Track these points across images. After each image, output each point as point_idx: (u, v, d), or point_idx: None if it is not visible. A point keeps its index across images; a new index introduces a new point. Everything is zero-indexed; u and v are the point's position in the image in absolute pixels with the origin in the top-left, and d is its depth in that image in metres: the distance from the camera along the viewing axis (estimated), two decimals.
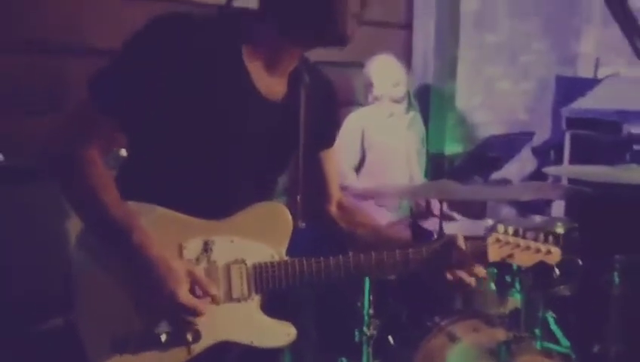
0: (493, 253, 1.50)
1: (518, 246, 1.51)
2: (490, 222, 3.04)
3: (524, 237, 1.52)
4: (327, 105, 1.60)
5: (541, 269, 2.22)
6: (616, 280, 2.48)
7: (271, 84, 1.42)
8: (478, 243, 1.50)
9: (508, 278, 2.34)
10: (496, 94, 4.32)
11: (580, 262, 2.31)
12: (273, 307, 1.46)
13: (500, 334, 2.28)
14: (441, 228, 2.52)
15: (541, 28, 4.45)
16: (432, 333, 2.35)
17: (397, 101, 3.25)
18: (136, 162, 1.46)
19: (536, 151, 4.44)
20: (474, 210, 3.73)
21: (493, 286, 2.43)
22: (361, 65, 3.32)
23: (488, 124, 4.32)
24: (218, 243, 1.39)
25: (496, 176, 3.99)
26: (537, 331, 2.37)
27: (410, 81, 3.42)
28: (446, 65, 3.95)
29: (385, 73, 3.22)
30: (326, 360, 2.48)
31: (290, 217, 1.45)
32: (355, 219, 1.67)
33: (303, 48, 1.43)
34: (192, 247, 1.37)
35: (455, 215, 3.09)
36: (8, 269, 1.95)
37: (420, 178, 3.36)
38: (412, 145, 3.33)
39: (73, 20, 2.58)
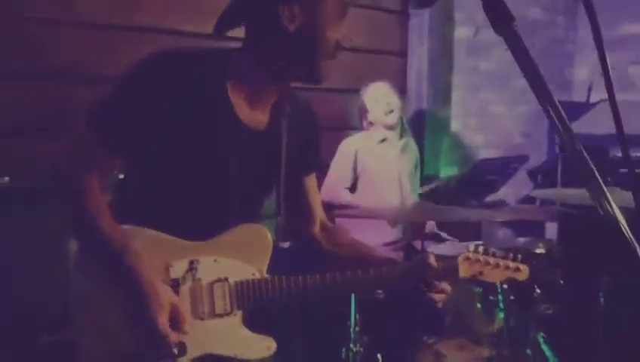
0: (464, 270, 1.60)
1: (487, 263, 1.61)
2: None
3: (493, 255, 1.62)
4: (308, 132, 1.71)
5: (522, 288, 2.31)
6: (602, 300, 2.54)
7: (254, 115, 1.53)
8: (450, 261, 1.60)
9: (491, 297, 2.41)
10: (490, 118, 4.42)
11: (562, 282, 2.38)
12: (259, 324, 1.55)
13: (485, 352, 2.36)
14: (423, 248, 2.60)
15: (535, 54, 4.55)
16: (419, 351, 2.42)
17: (390, 127, 3.35)
18: (130, 185, 1.58)
19: (531, 175, 4.52)
20: (468, 232, 3.81)
21: (479, 305, 2.51)
22: (357, 91, 3.44)
23: (483, 148, 4.42)
24: (202, 263, 1.49)
25: (492, 198, 4.08)
26: (529, 351, 2.43)
27: (403, 107, 3.52)
28: (440, 90, 4.07)
29: (379, 100, 3.32)
30: None
31: (270, 238, 1.55)
32: (337, 239, 1.78)
33: (282, 84, 1.55)
34: (178, 266, 1.48)
35: (446, 236, 3.17)
36: (10, 285, 2.05)
37: (412, 202, 3.44)
38: (404, 170, 3.41)
39: (80, 51, 2.74)
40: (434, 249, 2.83)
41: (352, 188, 3.29)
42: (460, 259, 1.60)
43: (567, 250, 2.72)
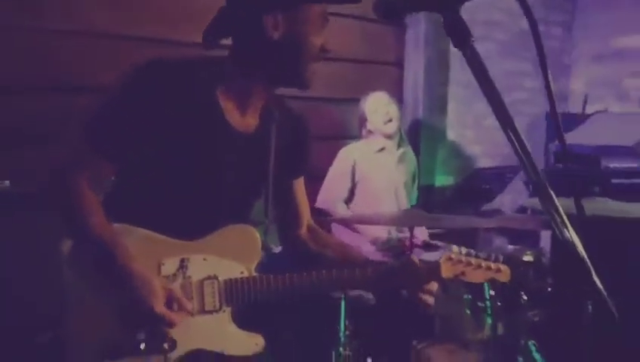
0: (446, 270, 1.65)
1: (469, 264, 1.66)
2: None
3: (476, 256, 1.67)
4: (297, 137, 1.76)
5: (509, 295, 2.35)
6: (590, 308, 2.57)
7: (243, 119, 1.60)
8: (433, 262, 1.66)
9: (480, 303, 2.45)
10: (486, 129, 4.47)
11: (549, 289, 2.42)
12: (249, 322, 1.60)
13: (474, 358, 2.40)
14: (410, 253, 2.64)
15: (531, 66, 4.62)
16: (409, 356, 2.46)
17: (389, 136, 3.41)
18: (123, 187, 1.63)
19: (528, 184, 4.56)
20: (464, 241, 3.84)
21: (468, 311, 2.54)
22: (354, 100, 3.50)
23: (479, 158, 4.48)
24: (193, 261, 1.55)
25: (488, 207, 4.12)
26: (520, 359, 2.45)
27: (402, 117, 3.57)
28: (436, 100, 4.13)
29: (378, 109, 3.37)
30: None
31: (258, 237, 1.61)
32: (324, 241, 1.84)
33: (268, 89, 1.62)
34: (170, 264, 1.53)
35: (438, 243, 3.21)
36: (6, 285, 2.11)
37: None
38: (401, 179, 3.46)
39: (82, 60, 2.81)
40: (426, 257, 2.87)
41: (350, 196, 3.34)
42: (442, 259, 1.65)
43: (558, 259, 2.75)
